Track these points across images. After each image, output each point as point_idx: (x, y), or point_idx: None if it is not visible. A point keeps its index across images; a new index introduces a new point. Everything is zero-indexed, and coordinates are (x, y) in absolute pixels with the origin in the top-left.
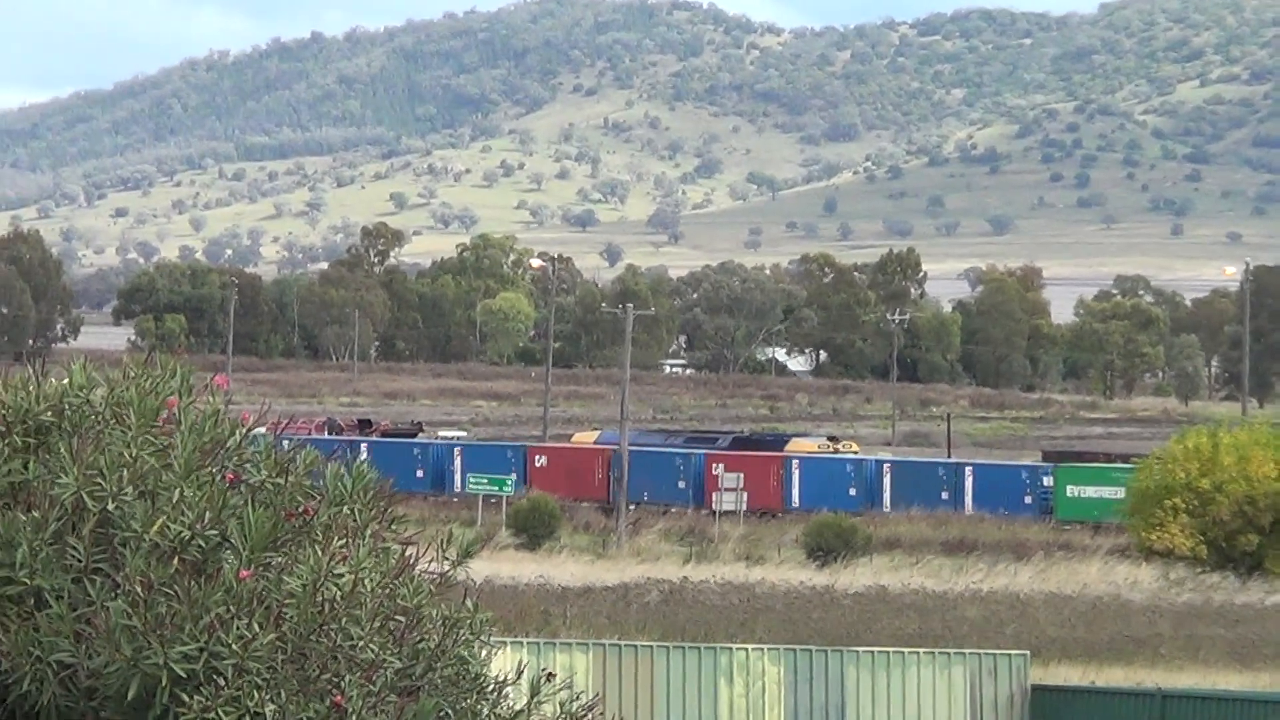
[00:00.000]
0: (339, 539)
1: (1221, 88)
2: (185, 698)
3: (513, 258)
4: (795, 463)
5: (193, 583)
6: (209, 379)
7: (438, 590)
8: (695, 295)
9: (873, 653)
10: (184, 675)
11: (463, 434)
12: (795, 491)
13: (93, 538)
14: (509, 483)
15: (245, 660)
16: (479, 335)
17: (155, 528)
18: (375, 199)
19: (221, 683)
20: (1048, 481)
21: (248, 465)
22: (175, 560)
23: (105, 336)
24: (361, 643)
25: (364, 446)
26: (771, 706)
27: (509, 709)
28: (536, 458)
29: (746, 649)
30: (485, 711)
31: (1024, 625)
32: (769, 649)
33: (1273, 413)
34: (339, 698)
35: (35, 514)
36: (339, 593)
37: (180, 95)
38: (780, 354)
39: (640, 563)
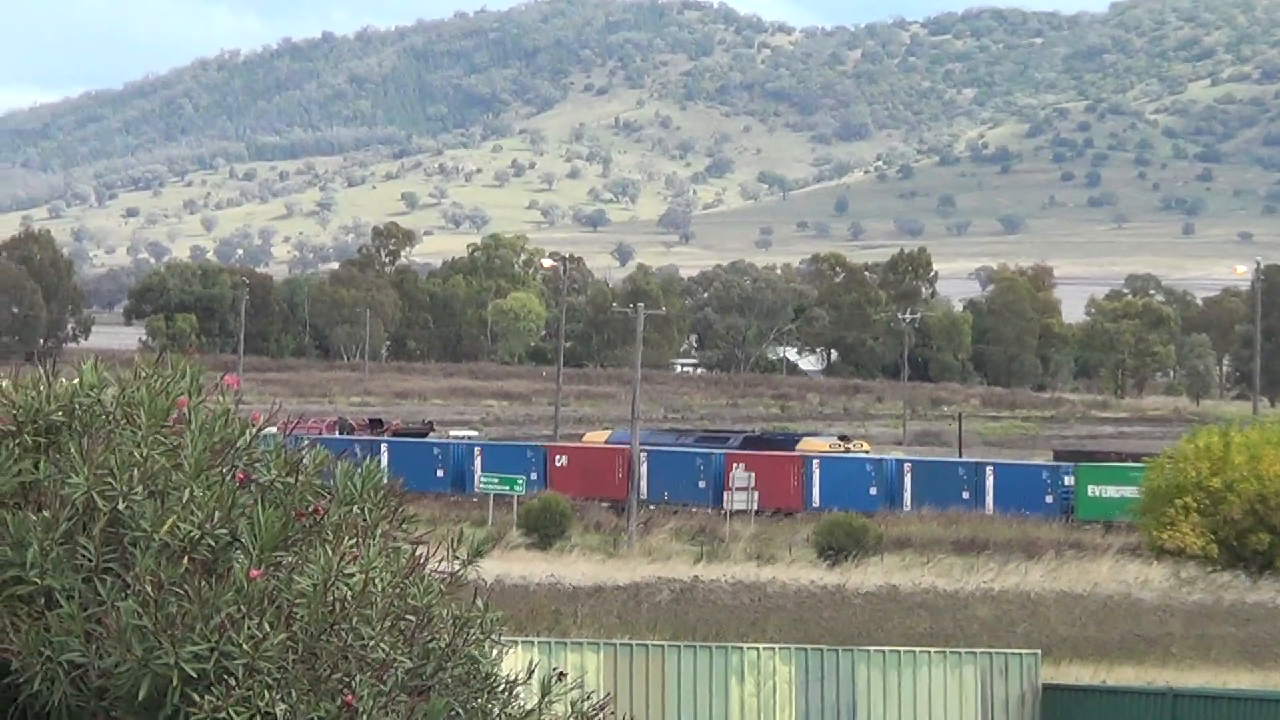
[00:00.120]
0: (349, 538)
1: (1232, 87)
2: (196, 697)
3: (524, 257)
4: (815, 462)
5: (203, 582)
6: (219, 379)
7: (448, 590)
8: (706, 295)
9: (884, 652)
10: (195, 675)
11: (474, 433)
12: (815, 491)
13: (103, 537)
14: (520, 482)
15: (256, 660)
16: (490, 335)
17: (165, 527)
18: (386, 199)
19: (232, 682)
20: (1069, 481)
21: (258, 465)
22: (185, 560)
23: (116, 336)
24: (372, 642)
25: (384, 447)
26: (782, 706)
27: (520, 708)
28: (557, 457)
29: (758, 648)
30: (496, 711)
31: (1035, 624)
32: (780, 648)
33: None
34: (350, 697)
35: (46, 514)
36: (350, 592)
37: (191, 95)
38: (791, 353)
39: (651, 562)
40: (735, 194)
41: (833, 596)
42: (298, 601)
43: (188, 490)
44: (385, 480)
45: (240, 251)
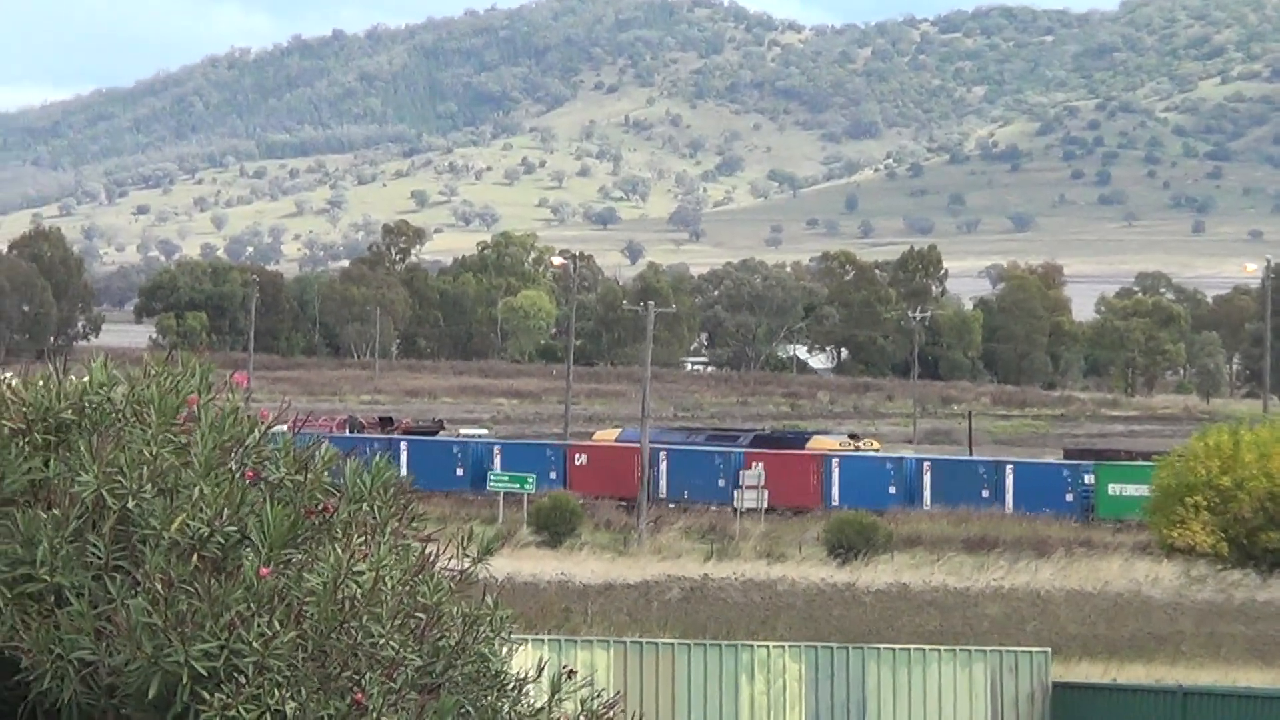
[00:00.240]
0: (359, 536)
1: (1243, 85)
2: (206, 695)
3: (534, 255)
4: (835, 461)
5: (213, 580)
6: (229, 377)
7: (458, 587)
8: (716, 293)
9: (894, 650)
10: (205, 673)
11: (484, 432)
12: (834, 490)
13: (113, 535)
14: (530, 481)
15: (266, 658)
16: (500, 333)
17: (175, 525)
18: (396, 196)
19: (242, 680)
20: (1089, 480)
21: (267, 462)
22: (195, 557)
23: (127, 334)
24: (382, 640)
25: (403, 445)
26: (792, 704)
27: (529, 706)
28: (577, 456)
29: (768, 646)
30: (506, 709)
31: (1045, 622)
32: (790, 646)
33: None
34: (359, 695)
35: (56, 511)
36: (359, 590)
37: (202, 93)
38: (801, 351)
39: (661, 560)
40: (745, 192)
41: (843, 594)
42: (307, 599)
43: (197, 488)
44: (395, 478)
45: (250, 249)
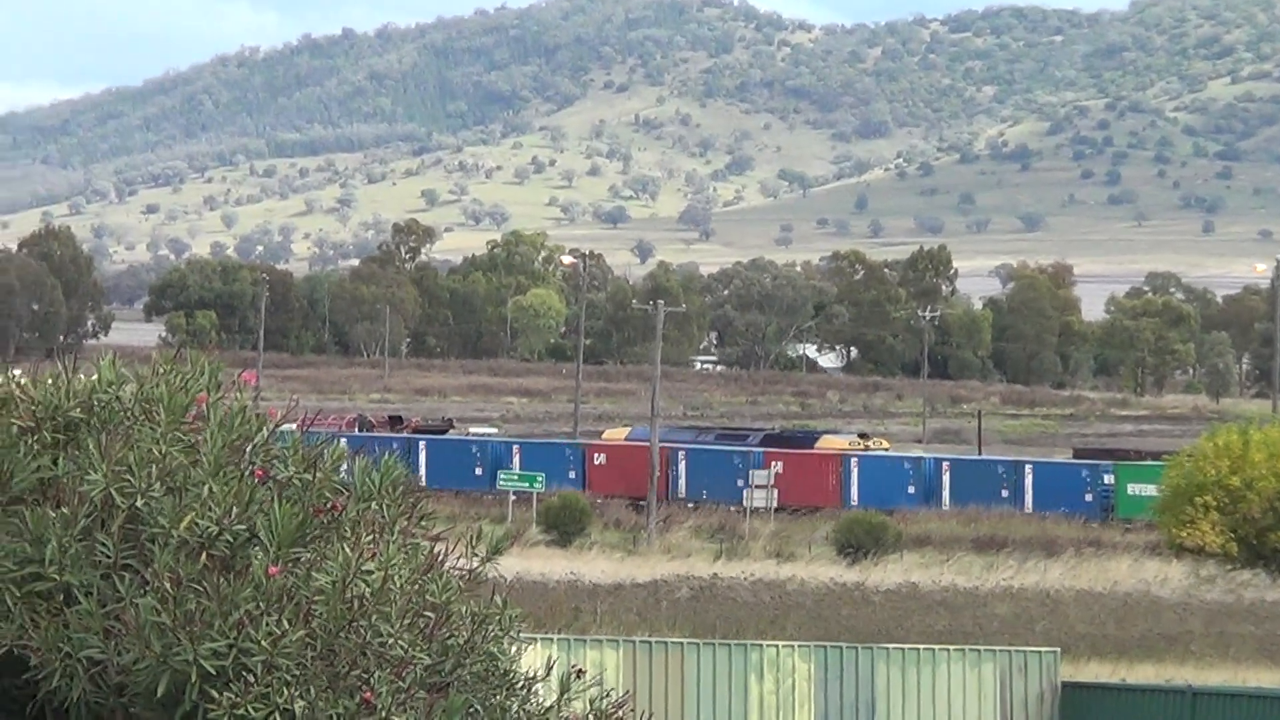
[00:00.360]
0: (368, 535)
1: (1253, 85)
2: (215, 694)
3: (544, 254)
4: (854, 461)
5: (221, 579)
6: (237, 375)
7: (467, 586)
8: (726, 292)
9: (903, 650)
10: (213, 672)
11: (494, 430)
12: (854, 490)
13: (121, 534)
14: (540, 480)
15: (274, 657)
16: (510, 332)
17: (184, 524)
18: (406, 195)
19: (251, 679)
20: (1109, 480)
21: (276, 461)
22: (203, 556)
23: (136, 333)
24: (391, 639)
25: (421, 445)
26: (802, 703)
27: (538, 705)
28: (595, 456)
29: (777, 646)
30: (514, 708)
31: (1054, 622)
32: (799, 646)
33: None
34: (368, 694)
35: (64, 510)
36: (368, 589)
37: (211, 91)
38: (811, 351)
39: (671, 560)
40: (755, 191)
41: (852, 594)
42: (316, 598)
43: (206, 486)
44: (403, 477)
45: (260, 248)
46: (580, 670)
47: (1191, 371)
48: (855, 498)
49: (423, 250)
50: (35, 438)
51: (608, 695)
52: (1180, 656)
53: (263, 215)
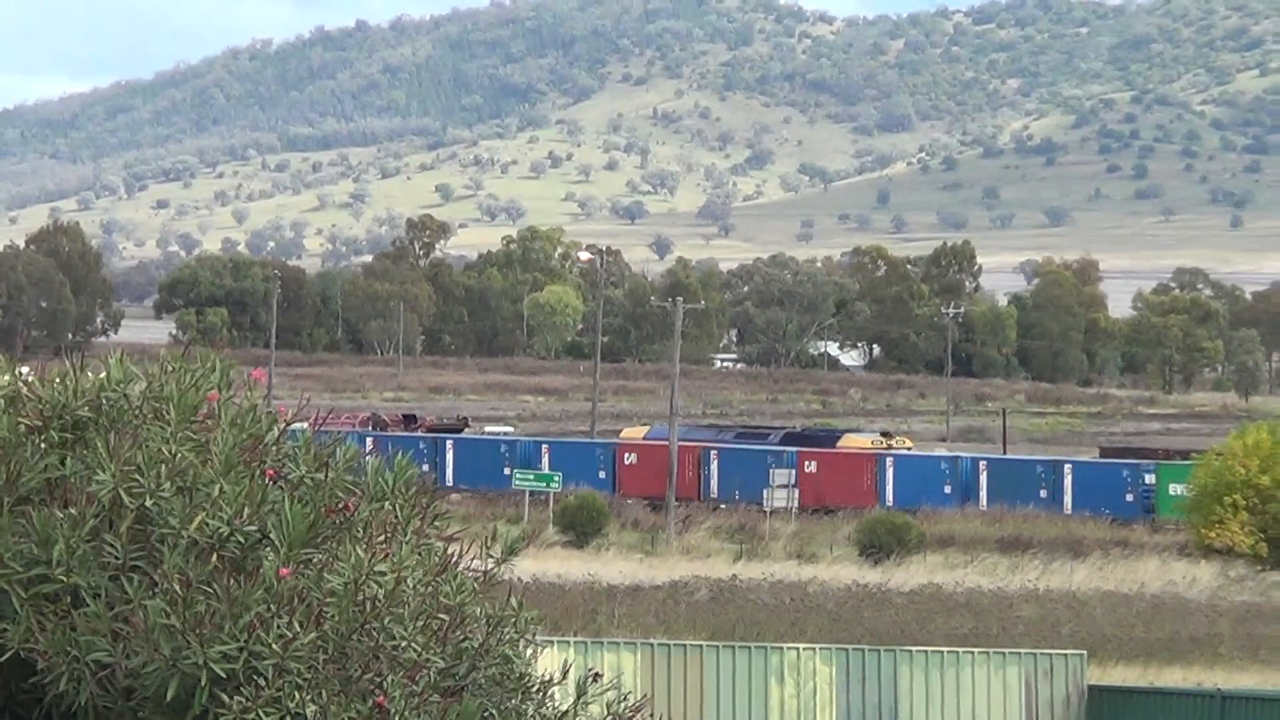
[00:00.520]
0: (380, 536)
1: None
2: (225, 698)
3: (560, 250)
4: (889, 460)
5: (232, 580)
6: (247, 374)
7: (482, 588)
8: (746, 288)
9: (926, 652)
10: (223, 675)
11: (509, 429)
12: (889, 490)
13: (130, 535)
14: (556, 479)
15: (286, 660)
16: (526, 329)
17: (194, 524)
18: (420, 190)
19: (262, 683)
20: (1150, 479)
21: (287, 461)
22: (214, 557)
23: (146, 330)
24: (404, 642)
25: (449, 444)
26: (823, 707)
27: (554, 710)
28: (626, 455)
29: (798, 648)
30: (530, 712)
31: (1081, 624)
32: (820, 649)
33: None
34: (381, 698)
35: (72, 510)
36: (381, 591)
37: (223, 85)
38: (832, 348)
39: (689, 561)
40: (775, 186)
41: (874, 596)
42: (328, 600)
43: (216, 486)
44: (416, 476)
45: (272, 244)
46: (597, 674)
47: (1220, 369)
48: (890, 498)
49: (437, 246)
50: (43, 437)
51: (625, 699)
52: (1209, 659)
53: (275, 210)
